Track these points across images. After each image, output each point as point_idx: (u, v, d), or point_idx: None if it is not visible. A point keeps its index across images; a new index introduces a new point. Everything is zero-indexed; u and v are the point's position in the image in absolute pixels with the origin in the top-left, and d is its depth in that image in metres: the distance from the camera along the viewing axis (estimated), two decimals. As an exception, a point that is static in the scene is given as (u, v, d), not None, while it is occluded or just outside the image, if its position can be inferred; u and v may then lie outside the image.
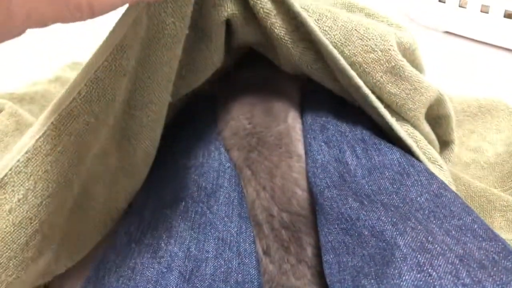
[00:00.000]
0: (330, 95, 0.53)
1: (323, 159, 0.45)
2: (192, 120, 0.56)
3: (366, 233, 0.36)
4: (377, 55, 0.45)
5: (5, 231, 0.34)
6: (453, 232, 0.35)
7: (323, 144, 0.46)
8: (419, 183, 0.40)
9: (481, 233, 0.35)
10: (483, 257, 0.32)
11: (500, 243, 0.34)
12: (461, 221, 0.37)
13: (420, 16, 1.01)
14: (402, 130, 0.46)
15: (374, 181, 0.41)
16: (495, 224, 0.52)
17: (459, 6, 0.92)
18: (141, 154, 0.44)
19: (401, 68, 0.46)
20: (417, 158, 0.46)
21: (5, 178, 0.34)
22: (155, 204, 0.44)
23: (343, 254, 0.36)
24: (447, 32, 0.99)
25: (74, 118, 0.35)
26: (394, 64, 0.45)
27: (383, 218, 0.36)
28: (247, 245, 0.42)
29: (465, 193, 0.57)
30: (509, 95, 0.80)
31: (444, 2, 0.93)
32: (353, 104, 0.49)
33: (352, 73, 0.44)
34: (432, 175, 0.42)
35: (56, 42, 1.01)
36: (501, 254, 0.33)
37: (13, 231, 0.34)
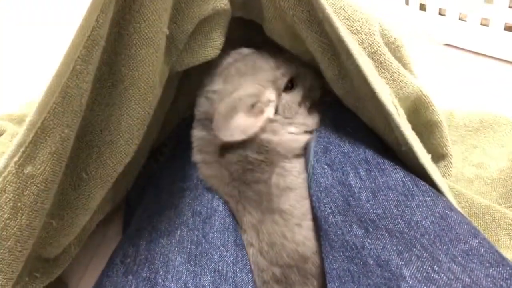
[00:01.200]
0: (332, 112, 0.53)
1: (327, 182, 0.45)
2: (189, 139, 0.56)
3: (371, 262, 0.36)
4: (360, 38, 0.44)
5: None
6: (460, 258, 0.34)
7: (326, 166, 0.46)
8: (424, 205, 0.40)
9: (488, 258, 0.35)
10: (491, 285, 0.32)
11: (508, 268, 0.34)
12: (467, 245, 0.36)
13: (421, 29, 1.01)
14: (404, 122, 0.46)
15: (378, 204, 0.41)
16: (500, 243, 0.51)
17: (459, 19, 0.92)
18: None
19: (382, 55, 0.45)
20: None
21: None
22: (150, 233, 0.44)
23: (348, 282, 0.36)
24: (447, 45, 0.98)
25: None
26: (375, 50, 0.45)
27: (388, 246, 0.36)
28: (243, 275, 0.42)
29: (469, 210, 0.57)
30: (510, 109, 0.80)
31: (444, 15, 0.93)
32: (353, 114, 0.50)
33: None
34: (436, 194, 0.42)
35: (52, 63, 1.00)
36: (509, 281, 0.32)
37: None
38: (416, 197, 0.41)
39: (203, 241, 0.42)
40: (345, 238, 0.39)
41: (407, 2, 0.98)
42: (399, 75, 0.48)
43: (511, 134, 0.72)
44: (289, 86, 0.52)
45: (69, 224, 0.40)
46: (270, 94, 0.49)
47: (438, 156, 0.59)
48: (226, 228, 0.44)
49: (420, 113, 0.54)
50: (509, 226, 0.52)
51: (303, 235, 0.44)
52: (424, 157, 0.45)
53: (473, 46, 0.94)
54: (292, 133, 0.50)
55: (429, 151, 0.51)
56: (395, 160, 0.46)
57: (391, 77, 0.47)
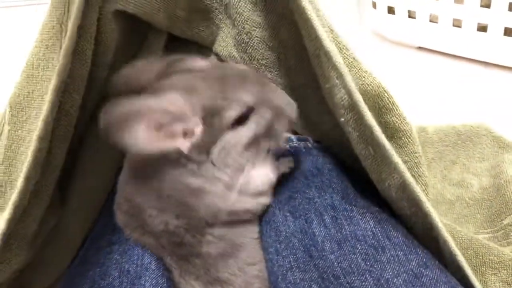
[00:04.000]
0: (299, 155, 0.47)
1: (287, 230, 0.41)
2: None
3: None
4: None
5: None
6: None
7: (288, 214, 0.42)
8: (396, 260, 0.36)
9: None
10: None
11: None
12: (445, 312, 0.32)
13: (391, 33, 0.95)
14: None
15: (344, 256, 0.37)
16: (488, 284, 0.46)
17: (430, 21, 0.87)
18: None
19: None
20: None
21: None
22: None
23: None
24: (420, 48, 0.93)
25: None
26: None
27: None
28: None
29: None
30: (489, 115, 0.75)
31: (415, 18, 0.88)
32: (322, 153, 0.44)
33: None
34: (411, 248, 0.38)
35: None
36: None
37: None
38: (387, 251, 0.37)
39: None
40: None
41: (374, 6, 0.93)
42: (354, 60, 0.44)
43: (492, 146, 0.67)
44: (237, 122, 0.40)
45: None
46: (194, 124, 0.38)
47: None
48: None
49: (383, 118, 0.47)
50: (496, 264, 0.47)
51: None
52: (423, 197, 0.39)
53: (446, 47, 0.89)
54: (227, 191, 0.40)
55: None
56: (371, 206, 0.41)
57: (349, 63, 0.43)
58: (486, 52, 0.84)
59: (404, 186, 0.38)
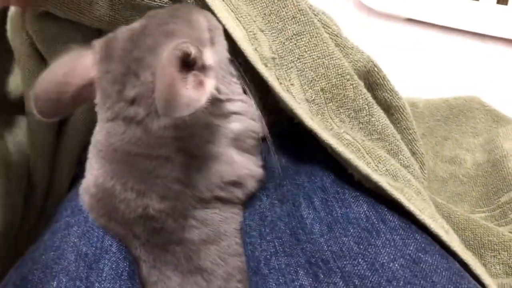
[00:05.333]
0: (286, 145, 0.43)
1: (273, 215, 0.39)
2: None
3: None
4: None
5: None
6: None
7: (276, 201, 0.40)
8: (392, 244, 0.34)
9: None
10: None
11: None
12: (446, 300, 0.30)
13: (378, 4, 0.90)
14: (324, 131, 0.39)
15: (335, 239, 0.35)
16: (487, 267, 0.42)
17: (421, -10, 0.82)
18: None
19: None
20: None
21: None
22: (26, 285, 0.36)
23: None
24: (408, 20, 0.89)
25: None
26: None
27: None
28: None
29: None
30: (481, 88, 0.71)
31: (403, -13, 0.83)
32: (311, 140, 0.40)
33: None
34: (408, 232, 0.35)
35: None
36: None
37: None
38: (383, 235, 0.34)
39: None
40: None
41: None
42: (341, 39, 0.43)
43: (486, 120, 0.63)
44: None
45: None
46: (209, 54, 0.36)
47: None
48: (118, 275, 0.36)
49: (374, 94, 0.46)
50: (495, 246, 0.43)
51: None
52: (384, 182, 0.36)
53: (437, 19, 0.84)
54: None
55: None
56: (365, 190, 0.38)
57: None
58: (478, 22, 0.79)
59: (366, 179, 0.37)
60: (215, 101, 0.36)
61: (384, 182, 0.36)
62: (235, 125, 0.38)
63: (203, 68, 0.34)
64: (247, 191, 0.39)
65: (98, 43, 0.37)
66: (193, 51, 0.32)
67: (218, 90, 0.36)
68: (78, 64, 0.36)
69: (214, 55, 0.36)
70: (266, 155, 0.42)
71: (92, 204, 0.38)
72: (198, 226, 0.37)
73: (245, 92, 0.40)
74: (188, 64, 0.32)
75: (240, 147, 0.39)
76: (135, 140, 0.35)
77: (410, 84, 0.73)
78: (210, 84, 0.33)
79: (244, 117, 0.39)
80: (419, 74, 0.79)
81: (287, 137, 0.45)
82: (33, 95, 0.35)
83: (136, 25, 0.37)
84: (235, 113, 0.38)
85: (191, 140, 0.36)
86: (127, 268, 0.36)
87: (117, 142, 0.35)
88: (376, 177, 0.36)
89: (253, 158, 0.40)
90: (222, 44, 0.39)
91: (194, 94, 0.31)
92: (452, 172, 0.58)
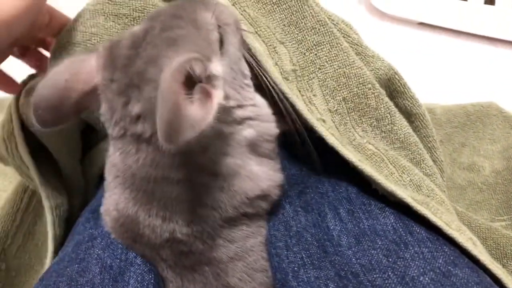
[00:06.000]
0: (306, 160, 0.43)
1: (299, 225, 0.38)
2: None
3: None
4: None
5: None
6: None
7: (299, 209, 0.39)
8: (421, 257, 0.33)
9: None
10: None
11: None
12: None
13: (390, 8, 0.90)
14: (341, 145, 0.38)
15: (363, 252, 0.34)
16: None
17: (434, -5, 0.81)
18: None
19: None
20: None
21: None
22: None
23: None
24: (421, 24, 0.88)
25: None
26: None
27: None
28: None
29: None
30: (498, 94, 0.70)
31: (417, -9, 0.83)
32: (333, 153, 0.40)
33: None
34: (436, 245, 0.34)
35: None
36: None
37: None
38: (411, 247, 0.34)
39: None
40: None
41: (374, -21, 0.87)
42: (360, 46, 0.42)
43: (503, 126, 0.63)
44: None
45: None
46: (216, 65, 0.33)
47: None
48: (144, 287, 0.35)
49: (395, 101, 0.45)
50: (519, 256, 0.42)
51: None
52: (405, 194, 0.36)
53: (451, 23, 0.84)
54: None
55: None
56: (390, 201, 0.37)
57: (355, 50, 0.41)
58: (494, 27, 0.78)
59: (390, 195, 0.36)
60: (225, 109, 0.32)
61: (409, 198, 0.35)
62: (248, 132, 0.36)
63: (210, 77, 0.31)
64: (272, 200, 0.38)
65: (103, 47, 0.34)
66: (197, 69, 0.29)
67: (227, 97, 0.33)
68: (82, 69, 0.34)
69: (223, 62, 0.34)
70: (287, 161, 0.42)
71: (115, 228, 0.37)
72: (226, 244, 0.36)
73: (258, 89, 0.38)
74: (192, 77, 0.29)
75: (257, 152, 0.37)
76: (151, 162, 0.33)
77: (422, 88, 0.72)
78: (217, 96, 0.30)
79: (257, 121, 0.37)
80: (432, 78, 0.78)
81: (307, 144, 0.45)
82: (32, 102, 0.32)
83: (138, 29, 0.34)
84: (247, 118, 0.36)
85: (206, 154, 0.34)
86: (152, 281, 0.35)
87: (133, 165, 0.33)
88: (401, 193, 0.35)
89: (272, 162, 0.38)
90: (233, 43, 0.36)
91: (199, 112, 0.28)
92: (470, 179, 0.57)
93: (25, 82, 0.45)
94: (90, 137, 0.50)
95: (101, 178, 0.48)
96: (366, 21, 0.92)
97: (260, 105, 0.38)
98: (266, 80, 0.38)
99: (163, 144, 0.27)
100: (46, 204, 0.45)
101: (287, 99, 0.37)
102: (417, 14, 0.87)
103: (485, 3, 0.76)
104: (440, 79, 0.77)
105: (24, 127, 0.44)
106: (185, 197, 0.34)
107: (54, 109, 0.33)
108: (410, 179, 0.39)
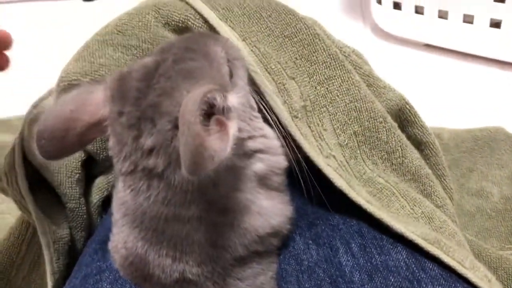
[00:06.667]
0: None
1: (310, 260, 0.37)
2: None
3: None
4: None
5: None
6: None
7: (310, 242, 0.39)
8: None
9: None
10: None
11: None
12: None
13: (395, 29, 0.90)
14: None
15: None
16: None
17: (439, 17, 0.82)
18: None
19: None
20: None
21: None
22: None
23: None
24: (427, 45, 0.89)
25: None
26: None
27: None
28: None
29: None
30: (505, 118, 0.70)
31: (422, 13, 0.83)
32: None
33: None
34: (449, 282, 0.34)
35: None
36: None
37: None
38: (424, 285, 0.33)
39: None
40: None
41: (379, 0, 0.88)
42: (371, 78, 0.43)
43: (511, 152, 0.63)
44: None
45: None
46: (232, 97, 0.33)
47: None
48: None
49: (406, 131, 0.46)
50: (532, 288, 0.42)
51: None
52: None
53: (456, 45, 0.84)
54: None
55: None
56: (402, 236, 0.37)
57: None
58: (500, 50, 0.79)
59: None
60: (238, 140, 0.31)
61: (419, 239, 0.35)
62: (258, 166, 0.35)
63: (225, 109, 0.31)
64: (283, 235, 0.38)
65: (110, 79, 0.34)
66: (219, 100, 0.29)
67: (239, 129, 0.32)
68: (88, 100, 0.33)
69: (236, 95, 0.33)
70: (297, 196, 0.42)
71: (124, 266, 0.36)
72: (236, 283, 0.35)
73: (265, 120, 0.38)
74: (211, 109, 0.29)
75: (266, 185, 0.36)
76: (162, 200, 0.32)
77: (428, 110, 0.72)
78: (233, 128, 0.30)
79: (267, 155, 0.36)
80: (438, 101, 0.78)
81: (317, 176, 0.45)
82: (36, 132, 0.31)
83: (149, 60, 0.33)
84: (257, 151, 0.36)
85: (217, 190, 0.33)
86: None
87: (145, 203, 0.32)
88: (411, 235, 0.35)
89: (281, 195, 0.38)
90: (242, 77, 0.36)
91: (219, 144, 0.28)
92: (479, 205, 0.57)
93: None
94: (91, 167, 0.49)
95: (103, 207, 0.48)
96: (372, 43, 0.93)
97: (270, 136, 0.37)
98: (273, 120, 0.37)
99: (187, 175, 0.26)
100: (43, 240, 0.44)
101: (294, 140, 0.37)
102: (423, 35, 0.88)
103: (491, 26, 0.77)
104: (446, 102, 0.77)
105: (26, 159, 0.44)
106: (196, 237, 0.33)
107: (58, 140, 0.32)
108: (422, 211, 0.40)
